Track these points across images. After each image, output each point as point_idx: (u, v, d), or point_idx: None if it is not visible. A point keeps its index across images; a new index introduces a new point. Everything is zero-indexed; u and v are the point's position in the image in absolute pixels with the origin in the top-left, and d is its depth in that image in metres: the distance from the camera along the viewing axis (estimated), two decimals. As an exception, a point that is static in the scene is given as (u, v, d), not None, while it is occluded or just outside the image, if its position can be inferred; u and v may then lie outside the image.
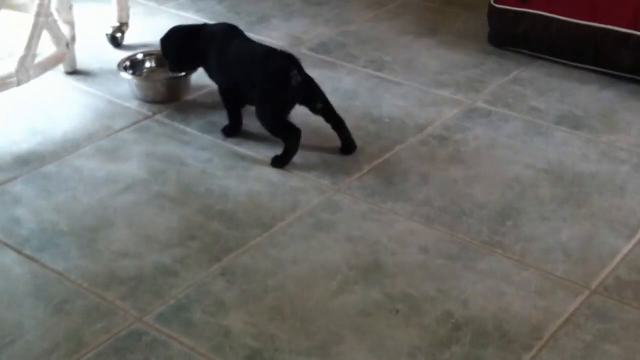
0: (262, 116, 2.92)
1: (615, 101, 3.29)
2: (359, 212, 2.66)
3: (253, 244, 2.51)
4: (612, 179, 2.82)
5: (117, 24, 3.64)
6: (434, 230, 2.58)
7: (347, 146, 2.97)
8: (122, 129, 3.06)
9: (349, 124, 3.03)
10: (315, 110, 2.96)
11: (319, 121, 3.00)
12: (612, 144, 3.01)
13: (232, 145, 2.96)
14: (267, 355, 2.12)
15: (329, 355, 2.13)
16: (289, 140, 2.89)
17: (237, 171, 2.84)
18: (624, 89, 3.37)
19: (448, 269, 2.43)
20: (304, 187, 2.77)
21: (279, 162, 2.88)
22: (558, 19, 3.50)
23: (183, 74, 3.27)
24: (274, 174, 2.82)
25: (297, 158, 2.89)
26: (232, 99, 3.05)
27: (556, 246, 2.51)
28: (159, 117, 3.14)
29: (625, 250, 2.50)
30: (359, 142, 2.97)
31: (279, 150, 2.90)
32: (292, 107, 2.91)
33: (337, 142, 2.97)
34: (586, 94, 3.34)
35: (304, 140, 2.92)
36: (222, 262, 2.44)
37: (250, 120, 3.01)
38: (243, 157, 2.91)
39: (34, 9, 3.02)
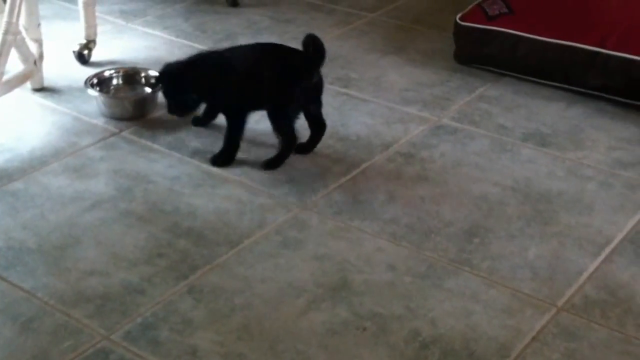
0: (281, 113, 2.92)
1: (582, 119, 3.31)
2: (326, 230, 2.66)
3: (220, 262, 2.50)
4: (579, 196, 2.84)
5: (84, 41, 3.63)
6: (401, 248, 2.58)
7: (310, 146, 3.04)
8: (88, 146, 3.05)
9: (317, 142, 3.06)
10: (311, 110, 3.01)
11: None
12: (579, 161, 3.03)
13: (199, 163, 2.96)
14: (235, 374, 2.12)
15: (297, 374, 2.13)
16: (289, 143, 2.93)
17: (204, 189, 2.83)
18: (591, 106, 3.40)
19: (415, 287, 2.43)
20: (271, 204, 2.77)
21: (272, 164, 2.94)
22: (525, 37, 3.53)
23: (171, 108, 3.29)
24: (241, 192, 2.82)
25: (265, 176, 2.89)
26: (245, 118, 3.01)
27: (523, 264, 2.53)
28: (125, 134, 3.13)
29: (592, 268, 2.52)
30: (326, 160, 2.98)
31: (246, 168, 2.91)
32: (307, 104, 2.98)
33: (303, 160, 2.98)
34: (553, 111, 3.37)
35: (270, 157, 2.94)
36: (190, 280, 2.43)
37: (219, 138, 3.00)
38: (210, 175, 2.90)
39: (1, 27, 3.01)
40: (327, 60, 2.91)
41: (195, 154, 3.02)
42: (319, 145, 3.05)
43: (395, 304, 2.36)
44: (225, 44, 3.78)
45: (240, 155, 2.96)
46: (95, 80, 3.35)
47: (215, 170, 2.93)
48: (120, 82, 3.42)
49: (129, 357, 2.16)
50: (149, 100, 3.29)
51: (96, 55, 3.67)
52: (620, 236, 2.66)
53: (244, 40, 3.88)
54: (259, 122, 3.10)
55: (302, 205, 2.77)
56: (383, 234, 2.64)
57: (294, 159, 2.98)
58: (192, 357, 2.16)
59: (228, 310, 2.33)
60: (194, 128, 3.16)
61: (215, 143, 3.00)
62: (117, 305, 2.33)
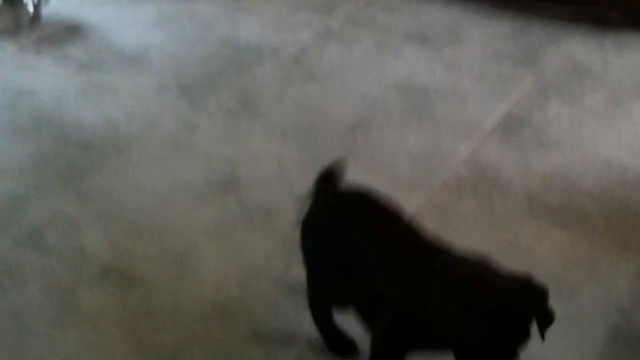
0: None
1: (460, 18, 3.41)
2: (216, 132, 2.70)
3: (109, 167, 2.53)
4: (455, 89, 2.93)
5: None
6: (288, 145, 2.64)
7: None
8: (-27, 64, 3.05)
9: (207, 50, 3.09)
10: None
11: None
12: (456, 57, 3.12)
13: (87, 75, 2.96)
14: (123, 268, 2.17)
15: (186, 265, 2.19)
16: None
17: (92, 99, 2.85)
18: (469, 6, 3.49)
19: (301, 179, 2.47)
20: (161, 110, 2.80)
21: None
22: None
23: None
24: (130, 100, 2.84)
25: (154, 83, 2.92)
26: None
27: (402, 152, 2.61)
28: (9, 49, 3.12)
29: (465, 151, 2.62)
30: (216, 65, 3.01)
31: (136, 77, 2.93)
32: None
33: (193, 66, 3.03)
34: (433, 12, 3.45)
35: (160, 70, 2.95)
36: (77, 185, 2.45)
37: (105, 52, 2.99)
38: (98, 85, 2.92)
39: None
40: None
41: (82, 67, 3.03)
42: (210, 52, 3.09)
43: (282, 194, 2.42)
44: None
45: (129, 66, 2.97)
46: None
47: (104, 80, 2.94)
48: (2, -1, 3.40)
49: (17, 261, 2.19)
50: (31, 15, 3.27)
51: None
52: (491, 120, 2.76)
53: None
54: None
55: (193, 108, 2.80)
56: (272, 133, 2.70)
57: (184, 66, 3.01)
58: (81, 256, 2.20)
59: (117, 211, 2.36)
60: (79, 41, 3.17)
61: (100, 56, 3.01)
62: (4, 214, 2.35)
